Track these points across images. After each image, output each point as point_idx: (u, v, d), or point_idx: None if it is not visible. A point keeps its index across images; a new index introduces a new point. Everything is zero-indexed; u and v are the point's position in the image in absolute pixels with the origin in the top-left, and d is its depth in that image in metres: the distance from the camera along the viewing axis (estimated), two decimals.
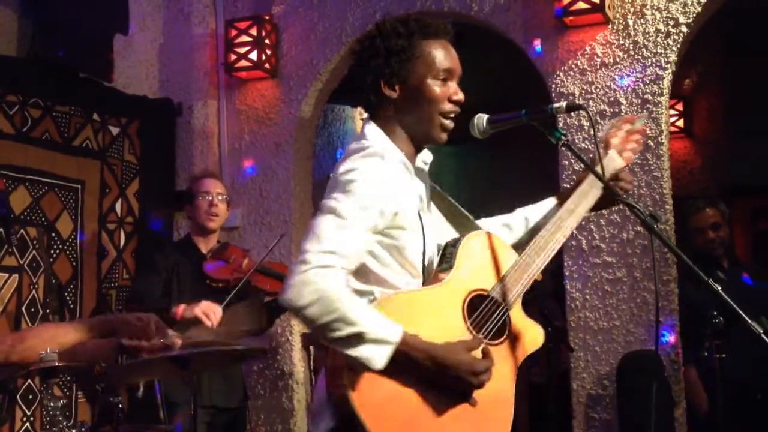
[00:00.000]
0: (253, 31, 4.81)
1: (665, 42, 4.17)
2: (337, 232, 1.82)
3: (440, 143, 2.06)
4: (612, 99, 4.25)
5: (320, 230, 1.83)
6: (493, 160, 6.67)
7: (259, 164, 4.94)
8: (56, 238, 4.27)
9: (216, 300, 3.67)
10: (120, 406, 3.10)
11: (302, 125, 4.94)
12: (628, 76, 4.21)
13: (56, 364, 2.59)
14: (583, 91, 4.31)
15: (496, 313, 2.00)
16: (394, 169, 1.96)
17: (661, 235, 1.85)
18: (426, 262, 2.01)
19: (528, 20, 4.43)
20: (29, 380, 3.89)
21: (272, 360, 4.77)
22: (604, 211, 4.16)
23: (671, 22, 4.16)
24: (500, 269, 2.04)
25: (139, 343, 2.22)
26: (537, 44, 4.34)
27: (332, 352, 1.85)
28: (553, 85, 4.37)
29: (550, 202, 2.31)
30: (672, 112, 6.22)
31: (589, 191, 2.16)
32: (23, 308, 4.05)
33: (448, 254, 2.02)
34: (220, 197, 4.03)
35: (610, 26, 4.25)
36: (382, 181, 1.89)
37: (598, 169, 2.07)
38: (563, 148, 2.00)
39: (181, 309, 3.65)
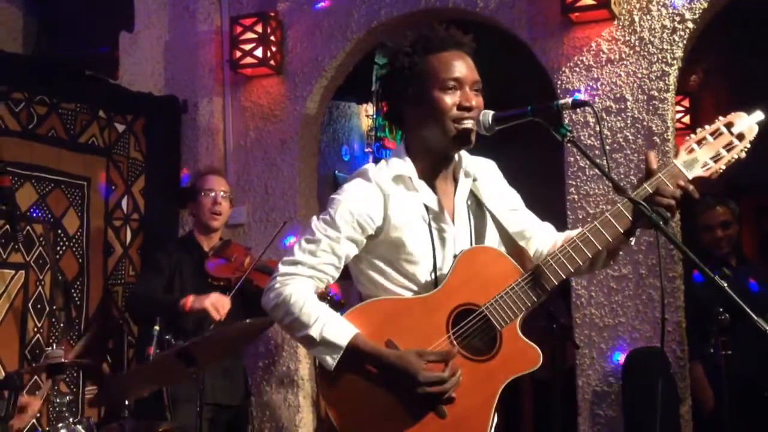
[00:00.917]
0: (258, 28, 4.81)
1: (671, 38, 4.16)
2: (305, 245, 2.04)
3: (464, 147, 2.11)
4: (618, 95, 4.24)
5: (295, 246, 2.07)
6: (498, 156, 6.65)
7: (265, 161, 4.94)
8: (62, 235, 4.28)
9: (205, 323, 3.67)
10: (126, 402, 3.12)
11: (307, 122, 4.94)
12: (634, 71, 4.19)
13: (63, 360, 2.61)
14: (589, 88, 4.30)
15: (483, 329, 2.00)
16: (382, 185, 2.06)
17: (667, 233, 1.85)
18: (440, 273, 2.06)
19: (533, 16, 4.42)
20: (35, 376, 3.90)
21: (278, 357, 4.78)
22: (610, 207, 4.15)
23: (677, 18, 4.15)
24: (498, 286, 2.02)
25: None
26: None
27: None
28: (559, 82, 4.36)
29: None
30: (678, 108, 6.20)
31: (619, 214, 2.02)
32: (30, 305, 4.07)
33: (449, 266, 2.07)
34: (223, 195, 4.04)
35: (615, 22, 4.24)
36: (363, 199, 2.04)
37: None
38: (569, 145, 1.97)
39: (189, 301, 3.67)
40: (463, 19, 4.65)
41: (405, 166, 2.10)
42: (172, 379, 3.23)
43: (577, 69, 4.33)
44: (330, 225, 2.03)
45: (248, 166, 4.97)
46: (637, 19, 4.21)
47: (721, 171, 2.07)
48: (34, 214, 4.07)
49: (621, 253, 3.96)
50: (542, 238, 2.25)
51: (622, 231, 2.02)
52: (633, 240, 2.11)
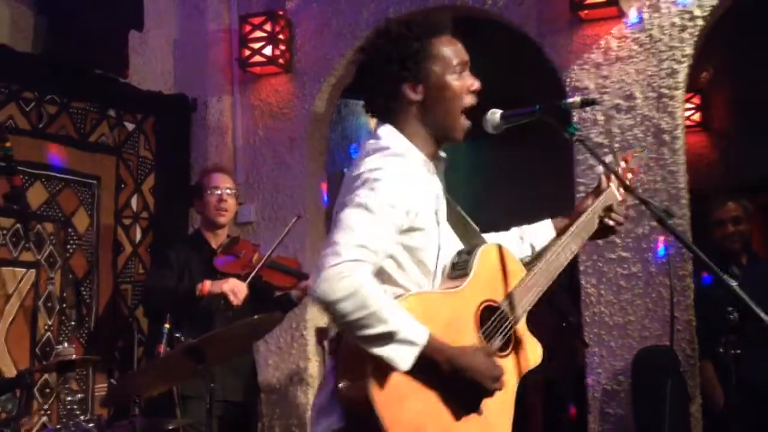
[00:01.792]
0: (267, 27, 4.81)
1: (681, 36, 4.14)
2: (368, 226, 1.80)
3: (459, 140, 2.07)
4: (627, 93, 4.22)
5: (351, 223, 1.81)
6: (507, 155, 6.64)
7: (274, 159, 4.95)
8: (72, 234, 4.30)
9: (222, 307, 3.68)
10: (136, 400, 3.14)
11: (316, 120, 4.95)
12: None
13: (73, 357, 2.63)
14: (598, 85, 4.28)
15: (504, 326, 2.00)
16: (415, 168, 1.96)
17: (675, 231, 1.85)
18: (438, 264, 2.00)
19: (542, 14, 4.41)
20: (45, 374, 3.93)
21: (287, 355, 4.79)
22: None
23: (687, 16, 4.13)
24: (509, 283, 2.04)
25: None
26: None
27: (348, 350, 1.83)
28: (568, 80, 4.35)
29: (547, 224, 2.33)
30: (689, 105, 6.17)
31: (593, 219, 2.22)
32: (40, 303, 4.09)
33: (462, 261, 2.00)
34: (228, 192, 4.04)
35: (624, 20, 4.23)
36: (406, 181, 1.89)
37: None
38: (577, 144, 1.98)
39: (207, 285, 3.68)
40: (472, 16, 4.65)
41: (413, 148, 2.01)
42: (182, 377, 3.23)
43: (587, 66, 4.32)
44: (390, 207, 1.83)
45: (257, 164, 4.98)
46: (646, 16, 4.20)
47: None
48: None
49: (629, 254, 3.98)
50: (489, 237, 2.25)
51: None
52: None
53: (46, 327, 4.11)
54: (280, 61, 4.87)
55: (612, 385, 4.10)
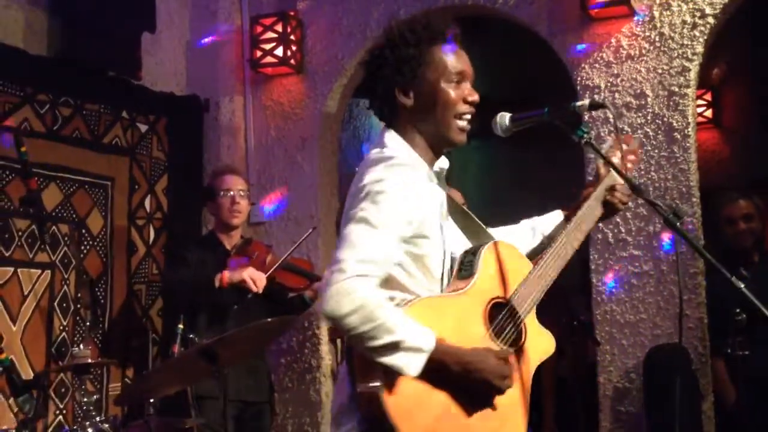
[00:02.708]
0: (279, 28, 4.84)
1: (691, 33, 4.14)
2: (371, 240, 1.85)
3: (459, 145, 2.08)
4: (638, 91, 4.22)
5: (354, 239, 1.86)
6: (518, 154, 6.65)
7: (286, 159, 4.98)
8: (86, 235, 4.35)
9: (240, 297, 3.72)
10: (151, 400, 3.17)
11: (328, 120, 4.97)
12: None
13: (89, 360, 2.66)
14: (609, 84, 4.29)
15: (513, 321, 2.03)
16: (419, 178, 1.98)
17: (682, 232, 1.86)
18: (444, 269, 2.04)
19: (553, 13, 4.42)
20: (62, 374, 3.97)
21: (300, 354, 4.82)
22: (630, 204, 4.14)
23: (697, 14, 4.13)
24: (516, 278, 2.07)
25: None
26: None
27: (361, 358, 1.87)
28: (579, 78, 4.35)
29: (557, 214, 2.36)
30: (700, 102, 6.16)
31: (596, 206, 2.25)
32: (55, 303, 4.14)
33: (467, 262, 2.03)
34: (241, 193, 4.07)
35: (635, 18, 4.23)
36: (410, 191, 1.92)
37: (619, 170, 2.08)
38: (585, 146, 1.99)
39: (226, 275, 3.72)
40: (483, 15, 4.66)
41: (415, 156, 2.04)
42: (196, 378, 3.26)
43: (597, 65, 4.32)
44: (393, 220, 1.88)
45: (269, 164, 5.01)
46: (657, 14, 4.19)
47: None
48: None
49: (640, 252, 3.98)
50: (500, 231, 2.30)
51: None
52: None
53: (62, 327, 4.15)
54: (292, 61, 4.90)
55: (623, 383, 4.11)
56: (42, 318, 4.06)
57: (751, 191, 4.32)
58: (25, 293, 4.00)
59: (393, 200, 1.88)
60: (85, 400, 2.68)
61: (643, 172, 4.15)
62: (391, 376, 1.82)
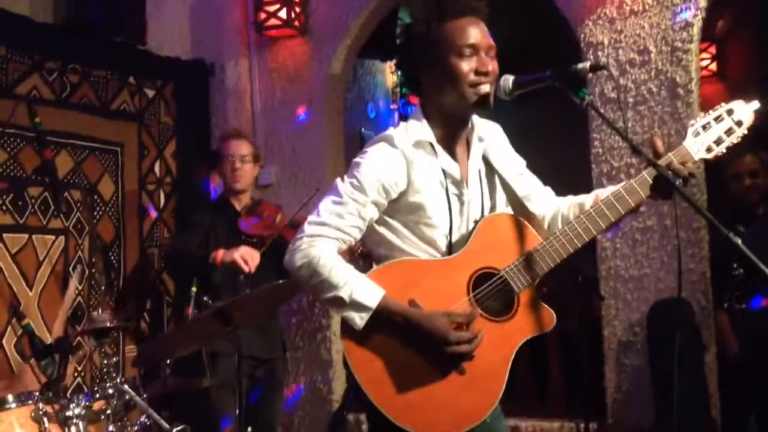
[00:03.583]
0: None
1: None
2: (330, 207, 2.07)
3: (482, 110, 2.15)
4: (641, 47, 4.23)
5: (320, 206, 2.10)
6: (523, 112, 6.63)
7: (292, 121, 5.02)
8: (98, 200, 4.42)
9: (236, 275, 3.77)
10: (168, 361, 3.26)
11: (333, 82, 5.00)
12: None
13: (108, 324, 2.75)
14: (612, 40, 4.29)
15: (502, 291, 2.09)
16: (405, 150, 2.10)
17: (682, 192, 1.91)
18: (454, 238, 2.13)
19: None
20: (79, 338, 4.07)
21: (310, 314, 4.91)
22: (634, 161, 4.19)
23: None
24: (518, 251, 2.11)
25: None
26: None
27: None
28: (582, 35, 4.36)
29: (609, 189, 2.24)
30: (705, 55, 6.14)
31: (641, 183, 2.11)
32: (70, 269, 4.22)
33: (470, 232, 2.14)
34: (243, 157, 4.11)
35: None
36: (388, 165, 2.08)
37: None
38: (587, 108, 2.02)
39: (220, 254, 3.78)
40: None
41: (425, 131, 2.15)
42: (211, 338, 3.35)
43: (601, 22, 4.32)
44: (357, 189, 2.06)
45: (276, 126, 5.05)
46: None
47: (722, 154, 2.20)
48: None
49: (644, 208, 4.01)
50: (546, 202, 2.32)
51: (644, 197, 2.12)
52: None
53: (77, 291, 4.25)
54: (296, 23, 4.91)
55: (628, 337, 4.19)
56: (57, 283, 4.16)
57: (758, 146, 4.33)
58: (41, 259, 4.09)
59: (366, 171, 2.08)
60: (105, 362, 2.77)
61: (646, 128, 4.18)
62: (352, 333, 2.03)
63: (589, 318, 4.38)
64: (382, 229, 2.14)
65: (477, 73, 2.09)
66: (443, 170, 2.14)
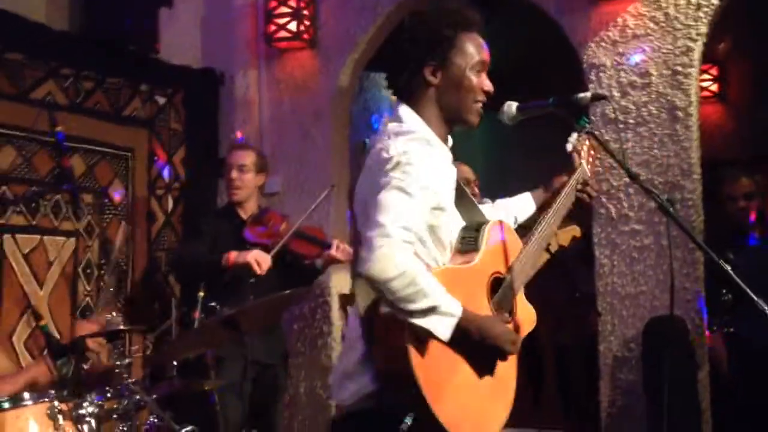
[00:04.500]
0: (292, 3, 4.94)
1: (696, 14, 4.23)
2: (409, 208, 1.97)
3: (473, 127, 2.22)
4: (643, 70, 4.33)
5: (394, 205, 1.96)
6: (523, 130, 6.70)
7: (299, 132, 5.12)
8: (109, 204, 4.52)
9: (246, 277, 3.85)
10: (174, 363, 3.36)
11: (340, 94, 5.10)
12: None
13: (121, 327, 2.84)
14: (615, 63, 4.39)
15: (507, 295, 2.18)
16: (437, 153, 2.12)
17: (677, 219, 2.01)
18: (452, 242, 2.17)
19: None
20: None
21: (311, 320, 4.99)
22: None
23: None
24: (510, 256, 2.22)
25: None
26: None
27: (384, 320, 1.99)
28: (585, 56, 4.46)
29: (527, 198, 2.53)
30: (706, 76, 6.24)
31: (571, 193, 2.41)
32: (80, 269, 4.33)
33: (470, 237, 2.16)
34: (242, 168, 4.19)
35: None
36: (430, 164, 2.06)
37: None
38: (587, 136, 2.12)
39: (233, 256, 3.86)
40: None
41: (431, 132, 2.16)
42: (216, 343, 3.44)
43: (603, 44, 4.42)
44: (423, 188, 2.01)
45: (283, 137, 5.15)
46: None
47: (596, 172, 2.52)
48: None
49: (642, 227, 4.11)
50: (490, 207, 2.47)
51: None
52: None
53: (85, 292, 4.35)
54: (305, 36, 5.01)
55: (623, 352, 4.27)
56: (67, 283, 4.26)
57: (754, 168, 4.42)
58: (51, 260, 4.20)
59: (419, 171, 2.01)
60: (118, 363, 2.86)
61: (646, 149, 4.28)
62: (417, 338, 1.96)
63: (585, 333, 4.47)
64: None
65: (483, 91, 2.18)
66: (452, 174, 2.19)
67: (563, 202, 2.38)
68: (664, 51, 4.29)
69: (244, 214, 4.26)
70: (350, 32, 5.03)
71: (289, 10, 4.96)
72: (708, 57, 4.55)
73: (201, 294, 3.63)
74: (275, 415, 4.20)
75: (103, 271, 4.32)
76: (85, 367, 2.74)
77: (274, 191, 5.08)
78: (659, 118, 4.29)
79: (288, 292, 3.13)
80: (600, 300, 4.34)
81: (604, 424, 4.31)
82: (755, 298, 1.83)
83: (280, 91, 5.17)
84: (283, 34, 4.99)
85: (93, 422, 2.62)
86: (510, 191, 2.63)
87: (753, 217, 4.21)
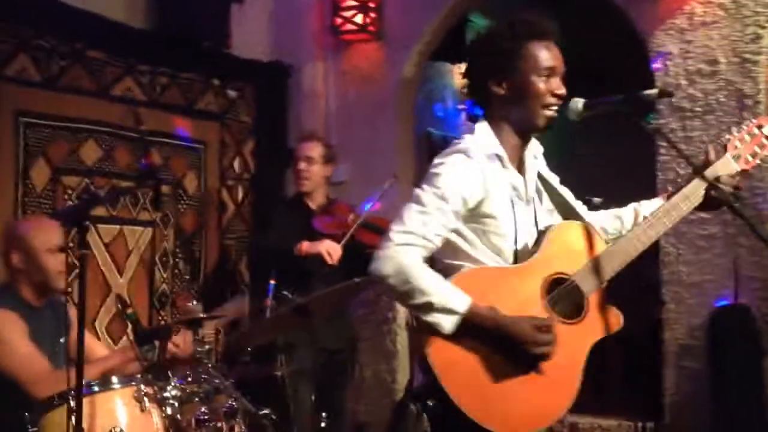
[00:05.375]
0: None
1: (765, 0, 4.18)
2: (417, 216, 2.14)
3: (544, 132, 2.28)
4: (710, 58, 4.30)
5: (404, 214, 2.17)
6: (601, 142, 6.62)
7: (365, 122, 5.22)
8: (183, 195, 4.70)
9: (317, 266, 3.97)
10: (249, 349, 3.51)
11: (405, 85, 5.18)
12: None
13: (202, 315, 2.99)
14: (681, 51, 4.37)
15: (573, 295, 2.21)
16: (480, 162, 2.21)
17: (742, 214, 2.04)
18: (519, 247, 2.24)
19: None
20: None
21: (375, 306, 5.10)
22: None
23: None
24: (586, 257, 2.24)
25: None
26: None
27: (415, 317, 2.16)
28: (652, 45, 4.44)
29: (660, 200, 2.47)
30: None
31: (693, 193, 2.33)
32: (157, 258, 4.52)
33: (538, 240, 2.26)
34: (309, 160, 4.29)
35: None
36: (464, 174, 2.18)
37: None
38: (654, 132, 2.16)
39: (305, 246, 3.99)
40: None
41: (495, 144, 2.26)
42: (288, 329, 3.57)
43: (671, 32, 4.40)
44: (440, 198, 2.15)
45: (349, 128, 5.26)
46: None
47: (758, 165, 2.39)
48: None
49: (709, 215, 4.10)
50: (590, 216, 2.46)
51: (692, 207, 2.34)
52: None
53: (162, 280, 4.54)
54: (371, 28, 5.11)
55: (688, 341, 4.28)
56: (145, 271, 4.46)
57: None
58: (130, 249, 4.39)
59: (447, 182, 2.16)
60: (199, 349, 3.01)
61: (713, 137, 4.25)
62: (434, 335, 2.10)
63: (650, 321, 4.48)
64: (453, 237, 2.23)
65: (553, 95, 2.23)
66: (511, 184, 2.27)
67: (679, 200, 2.33)
68: (733, 38, 4.25)
69: (312, 205, 4.37)
70: (415, 24, 5.10)
71: (355, 3, 5.06)
72: None
73: (272, 282, 3.75)
74: (343, 399, 4.33)
75: (177, 259, 4.50)
76: (167, 356, 2.89)
77: (341, 180, 5.19)
78: (727, 106, 4.26)
79: (357, 280, 3.23)
80: (665, 288, 4.34)
81: (667, 410, 4.32)
82: None
83: (346, 83, 5.28)
84: (349, 26, 5.10)
85: (176, 404, 2.77)
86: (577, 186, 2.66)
87: None
